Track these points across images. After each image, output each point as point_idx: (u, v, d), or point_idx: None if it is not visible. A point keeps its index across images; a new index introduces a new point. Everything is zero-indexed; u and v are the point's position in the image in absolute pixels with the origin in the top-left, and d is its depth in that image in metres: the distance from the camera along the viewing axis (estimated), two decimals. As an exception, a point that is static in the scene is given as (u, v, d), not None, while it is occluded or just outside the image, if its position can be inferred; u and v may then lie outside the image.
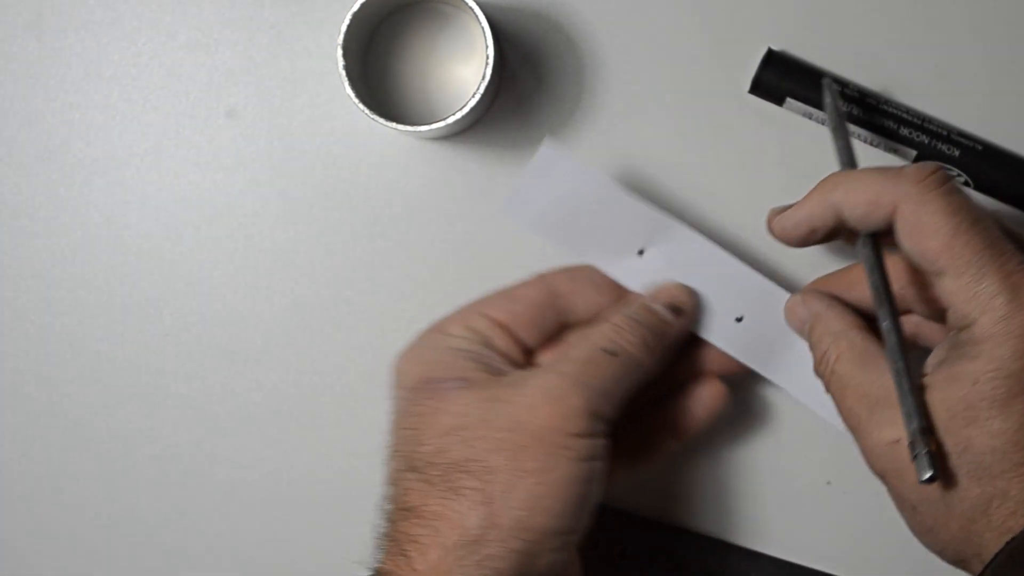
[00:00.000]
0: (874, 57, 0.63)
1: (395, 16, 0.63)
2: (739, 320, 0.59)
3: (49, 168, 0.66)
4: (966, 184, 0.63)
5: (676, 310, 0.59)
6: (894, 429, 0.51)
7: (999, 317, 0.50)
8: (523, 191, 0.58)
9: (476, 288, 0.63)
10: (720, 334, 0.60)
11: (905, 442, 0.50)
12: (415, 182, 0.65)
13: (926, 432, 0.49)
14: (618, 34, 0.64)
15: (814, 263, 0.62)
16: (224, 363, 0.66)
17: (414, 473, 0.54)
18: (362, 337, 0.65)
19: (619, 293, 0.59)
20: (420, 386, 0.56)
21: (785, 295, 0.59)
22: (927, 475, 0.48)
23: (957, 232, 0.51)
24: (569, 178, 0.58)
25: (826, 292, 0.58)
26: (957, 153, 0.62)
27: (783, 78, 0.62)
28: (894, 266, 0.55)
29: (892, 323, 0.53)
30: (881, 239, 0.55)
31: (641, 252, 0.59)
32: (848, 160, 0.58)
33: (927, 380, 0.51)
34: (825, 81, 0.60)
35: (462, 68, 0.64)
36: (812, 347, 0.56)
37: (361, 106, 0.59)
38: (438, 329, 0.59)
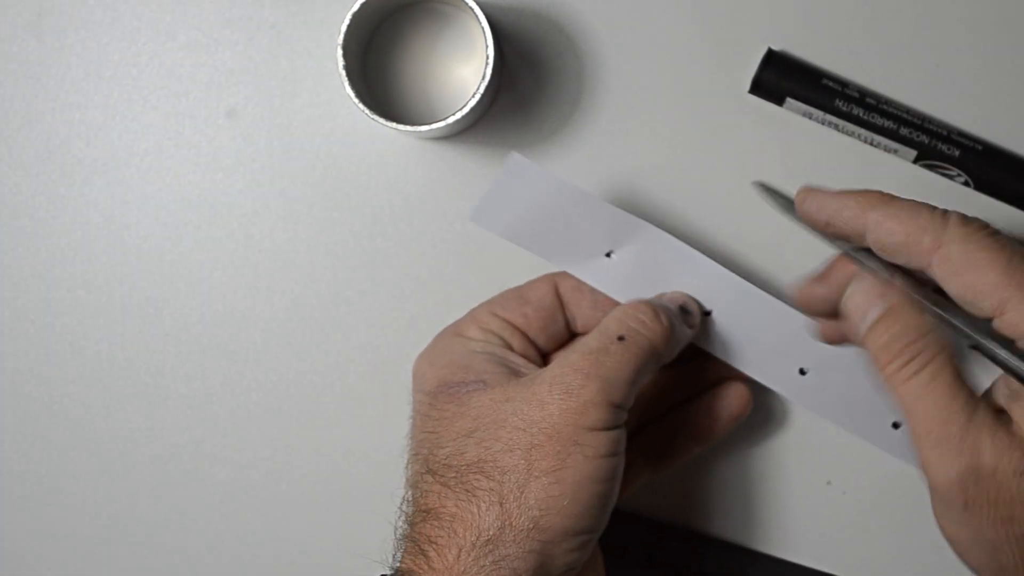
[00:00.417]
0: (874, 57, 0.63)
1: (395, 16, 0.63)
2: (707, 314, 0.60)
3: (49, 168, 0.66)
4: (966, 184, 0.63)
5: (684, 310, 0.59)
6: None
7: None
8: (491, 199, 0.59)
9: (475, 288, 0.63)
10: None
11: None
12: (415, 182, 0.65)
13: None
14: (618, 34, 0.64)
15: (806, 265, 0.62)
16: (224, 363, 0.66)
17: (432, 476, 0.54)
18: (362, 337, 0.65)
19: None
20: (439, 390, 0.56)
21: (755, 290, 0.59)
22: None
23: (1010, 263, 0.49)
24: (536, 185, 0.58)
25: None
26: (957, 153, 0.62)
27: (783, 78, 0.62)
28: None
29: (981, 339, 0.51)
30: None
31: (609, 254, 0.60)
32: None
33: (1011, 415, 0.49)
34: (755, 184, 0.60)
35: (462, 68, 0.63)
36: (886, 332, 0.52)
37: (361, 106, 0.59)
38: (454, 332, 0.59)
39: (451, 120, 0.59)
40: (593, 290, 0.60)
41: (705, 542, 0.64)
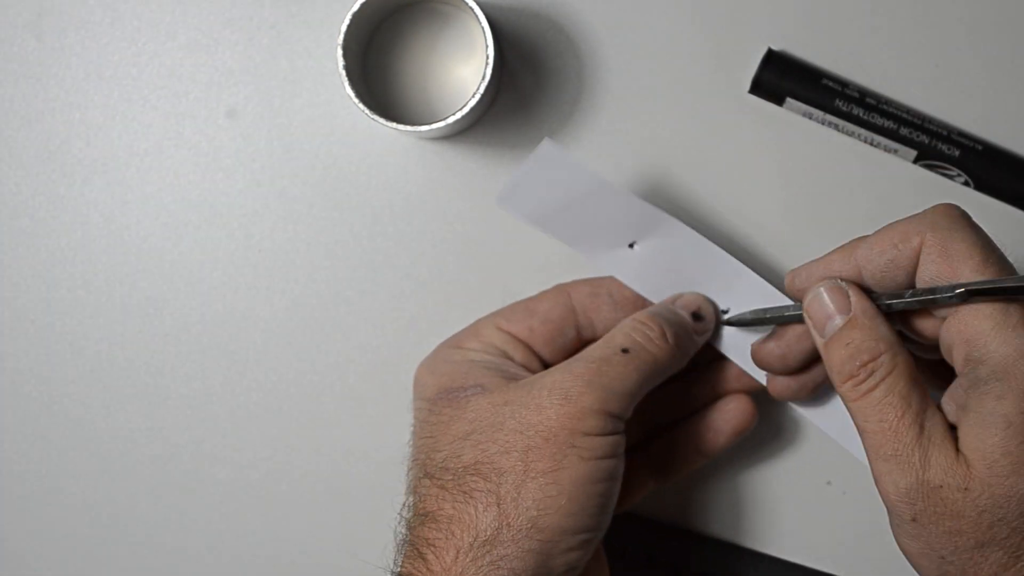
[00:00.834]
0: (874, 57, 0.63)
1: (395, 16, 0.63)
2: (724, 313, 0.60)
3: (49, 168, 0.66)
4: (966, 184, 0.63)
5: (696, 316, 0.59)
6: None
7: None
8: (519, 184, 0.59)
9: (475, 288, 0.63)
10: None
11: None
12: (415, 182, 0.65)
13: None
14: (618, 34, 0.64)
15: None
16: (224, 363, 0.66)
17: (429, 479, 0.54)
18: (362, 337, 0.65)
19: (638, 309, 0.59)
20: (439, 396, 0.56)
21: (774, 291, 0.59)
22: None
23: (986, 257, 0.49)
24: (566, 173, 0.58)
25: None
26: (957, 153, 0.62)
27: (783, 78, 0.62)
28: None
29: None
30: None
31: (632, 245, 0.60)
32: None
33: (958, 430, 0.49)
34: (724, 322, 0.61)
35: (462, 68, 0.64)
36: (844, 347, 0.52)
37: (361, 106, 0.59)
38: (455, 343, 0.59)
39: (451, 120, 0.59)
40: (611, 293, 0.60)
41: (705, 542, 0.64)
